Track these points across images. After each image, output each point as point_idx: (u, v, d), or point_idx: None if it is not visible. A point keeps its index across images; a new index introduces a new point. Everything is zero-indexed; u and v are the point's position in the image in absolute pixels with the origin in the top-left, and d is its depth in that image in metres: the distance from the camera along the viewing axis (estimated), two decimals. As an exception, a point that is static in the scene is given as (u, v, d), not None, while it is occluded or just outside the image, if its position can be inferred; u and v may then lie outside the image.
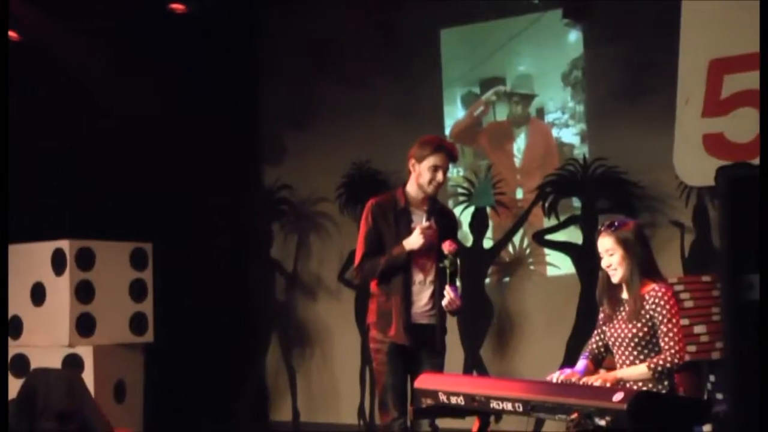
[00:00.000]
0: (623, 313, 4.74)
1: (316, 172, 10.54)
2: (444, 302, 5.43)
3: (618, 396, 3.85)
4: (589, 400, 3.95)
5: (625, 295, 4.77)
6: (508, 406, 4.31)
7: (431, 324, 5.53)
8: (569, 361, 8.40)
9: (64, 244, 8.69)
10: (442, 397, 4.70)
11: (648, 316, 4.64)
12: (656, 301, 4.63)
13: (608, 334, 4.79)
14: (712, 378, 6.56)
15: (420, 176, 5.50)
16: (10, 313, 8.58)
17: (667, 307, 4.62)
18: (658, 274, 4.78)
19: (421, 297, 5.51)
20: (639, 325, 4.65)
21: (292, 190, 10.72)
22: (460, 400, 4.60)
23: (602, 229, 4.82)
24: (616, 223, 4.80)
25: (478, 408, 4.55)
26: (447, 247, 5.38)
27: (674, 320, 4.61)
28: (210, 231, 10.26)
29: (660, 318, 4.61)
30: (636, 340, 4.65)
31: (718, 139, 7.03)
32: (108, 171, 9.46)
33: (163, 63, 9.82)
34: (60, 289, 8.69)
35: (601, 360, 4.86)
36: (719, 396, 6.41)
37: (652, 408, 3.88)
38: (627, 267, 4.72)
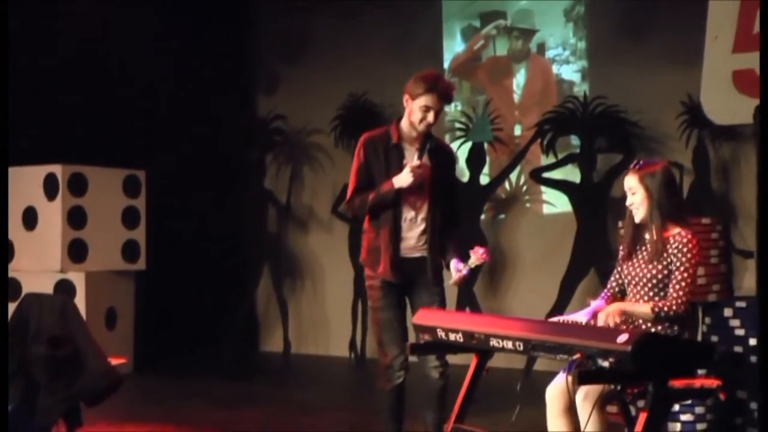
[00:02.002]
0: (644, 253, 4.69)
1: (311, 103, 10.43)
2: (453, 281, 5.31)
3: (622, 337, 3.79)
4: (593, 341, 3.89)
5: (648, 235, 4.71)
6: (509, 344, 4.25)
7: (423, 256, 5.41)
8: (562, 300, 8.43)
9: (57, 169, 8.63)
10: (441, 334, 4.64)
11: (669, 260, 4.59)
12: (679, 246, 4.57)
13: (625, 272, 4.74)
14: (707, 320, 6.55)
15: (412, 113, 5.36)
16: (1, 236, 8.53)
17: (689, 255, 4.56)
18: (684, 219, 4.71)
19: (411, 234, 5.39)
20: (659, 267, 4.60)
21: (287, 120, 10.62)
22: (459, 338, 4.54)
23: (630, 167, 4.77)
24: (641, 162, 4.74)
25: (477, 346, 4.50)
26: (480, 256, 5.23)
27: (691, 270, 4.56)
28: (203, 160, 10.18)
29: (677, 264, 4.56)
30: (654, 281, 4.60)
31: (749, 76, 6.71)
32: (103, 98, 9.35)
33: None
34: (52, 214, 8.64)
35: (620, 300, 4.80)
36: (714, 338, 6.41)
37: (656, 350, 3.83)
38: (647, 208, 4.66)
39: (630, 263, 4.74)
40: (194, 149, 10.07)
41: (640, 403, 4.41)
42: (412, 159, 5.34)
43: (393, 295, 5.41)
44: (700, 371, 4.78)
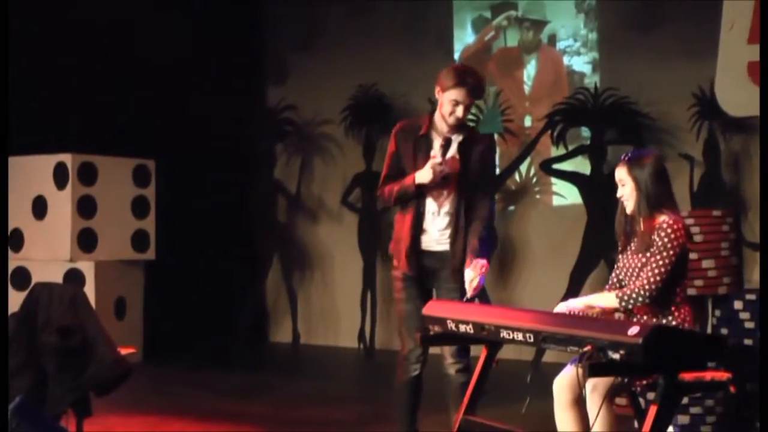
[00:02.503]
0: (634, 245, 4.67)
1: (322, 94, 10.42)
2: (469, 294, 5.20)
3: (633, 330, 3.76)
4: (603, 333, 3.86)
5: (637, 227, 4.69)
6: (519, 336, 4.22)
7: (445, 250, 5.31)
8: (572, 291, 8.39)
9: (67, 158, 8.64)
10: (451, 325, 4.62)
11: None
12: (659, 233, 4.53)
13: (620, 264, 4.72)
14: (717, 313, 6.53)
15: (442, 106, 5.28)
16: (12, 225, 8.55)
17: (666, 240, 4.50)
18: (672, 208, 4.66)
19: (434, 227, 5.30)
20: (647, 256, 4.56)
21: (297, 110, 10.61)
22: (469, 329, 4.51)
23: (621, 159, 4.74)
24: (629, 155, 4.70)
25: (487, 337, 4.48)
26: (480, 270, 5.11)
27: (664, 254, 4.48)
28: (213, 150, 10.18)
29: (654, 251, 4.51)
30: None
31: (764, 67, 6.62)
32: (113, 87, 9.35)
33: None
34: (61, 204, 8.65)
35: None
36: (724, 331, 6.38)
37: (666, 343, 3.81)
38: (636, 199, 4.62)
39: (624, 255, 4.71)
40: (204, 139, 10.07)
41: (650, 396, 4.39)
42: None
43: (413, 287, 5.31)
44: (710, 364, 4.75)
